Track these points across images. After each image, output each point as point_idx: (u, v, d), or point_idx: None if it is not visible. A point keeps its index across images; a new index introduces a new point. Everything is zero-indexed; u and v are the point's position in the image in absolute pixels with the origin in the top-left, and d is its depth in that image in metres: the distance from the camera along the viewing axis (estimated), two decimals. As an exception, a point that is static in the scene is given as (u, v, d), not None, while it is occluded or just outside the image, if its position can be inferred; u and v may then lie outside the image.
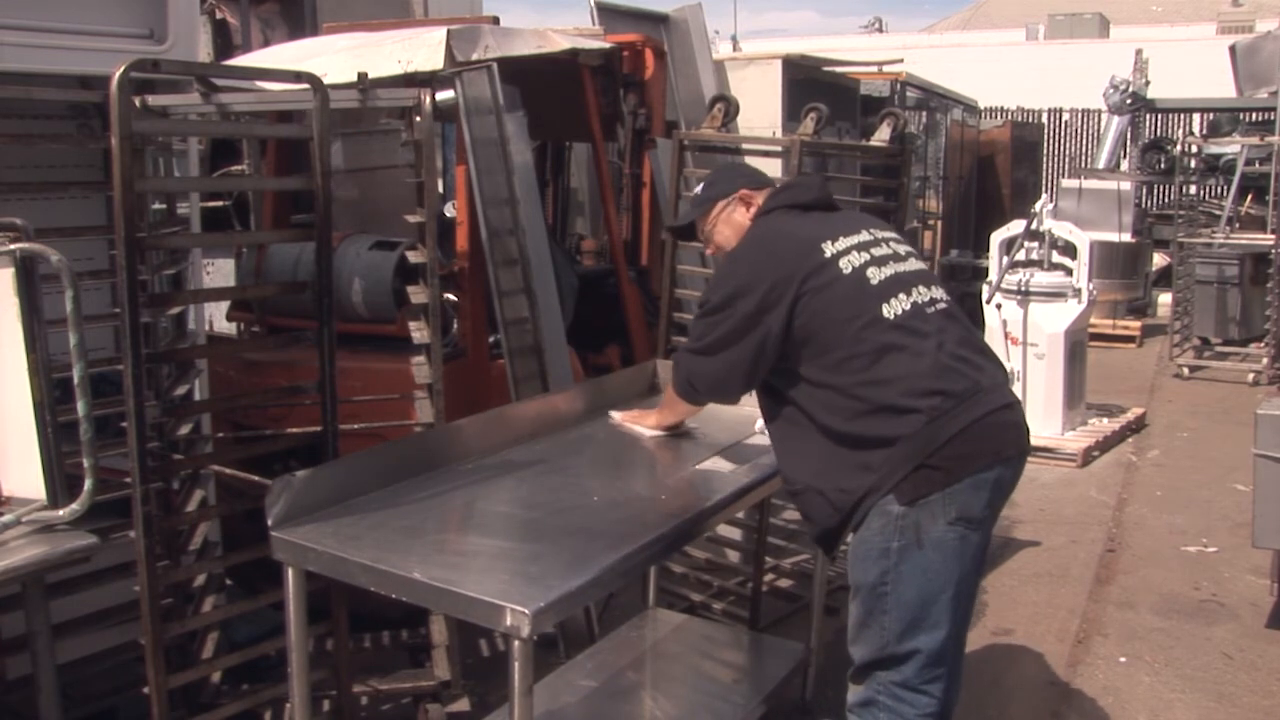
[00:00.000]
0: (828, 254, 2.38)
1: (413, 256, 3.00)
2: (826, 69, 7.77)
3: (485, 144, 3.68)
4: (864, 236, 2.45)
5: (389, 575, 1.99)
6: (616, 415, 3.06)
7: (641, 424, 2.98)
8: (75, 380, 2.23)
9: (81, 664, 2.77)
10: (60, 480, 2.27)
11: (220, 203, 5.45)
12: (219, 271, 4.63)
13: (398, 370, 3.17)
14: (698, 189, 2.78)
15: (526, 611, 1.81)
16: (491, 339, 4.01)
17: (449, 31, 3.66)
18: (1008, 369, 6.33)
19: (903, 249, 2.51)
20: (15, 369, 2.23)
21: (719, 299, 2.44)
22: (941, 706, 2.35)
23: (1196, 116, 14.40)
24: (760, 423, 2.72)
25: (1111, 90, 11.75)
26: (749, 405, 3.40)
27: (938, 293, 2.44)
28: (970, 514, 2.29)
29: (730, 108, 4.14)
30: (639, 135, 5.12)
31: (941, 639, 2.31)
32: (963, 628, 2.42)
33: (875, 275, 2.38)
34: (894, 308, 2.34)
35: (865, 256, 2.40)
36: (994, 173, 13.41)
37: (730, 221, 2.65)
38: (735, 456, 2.80)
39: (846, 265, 2.37)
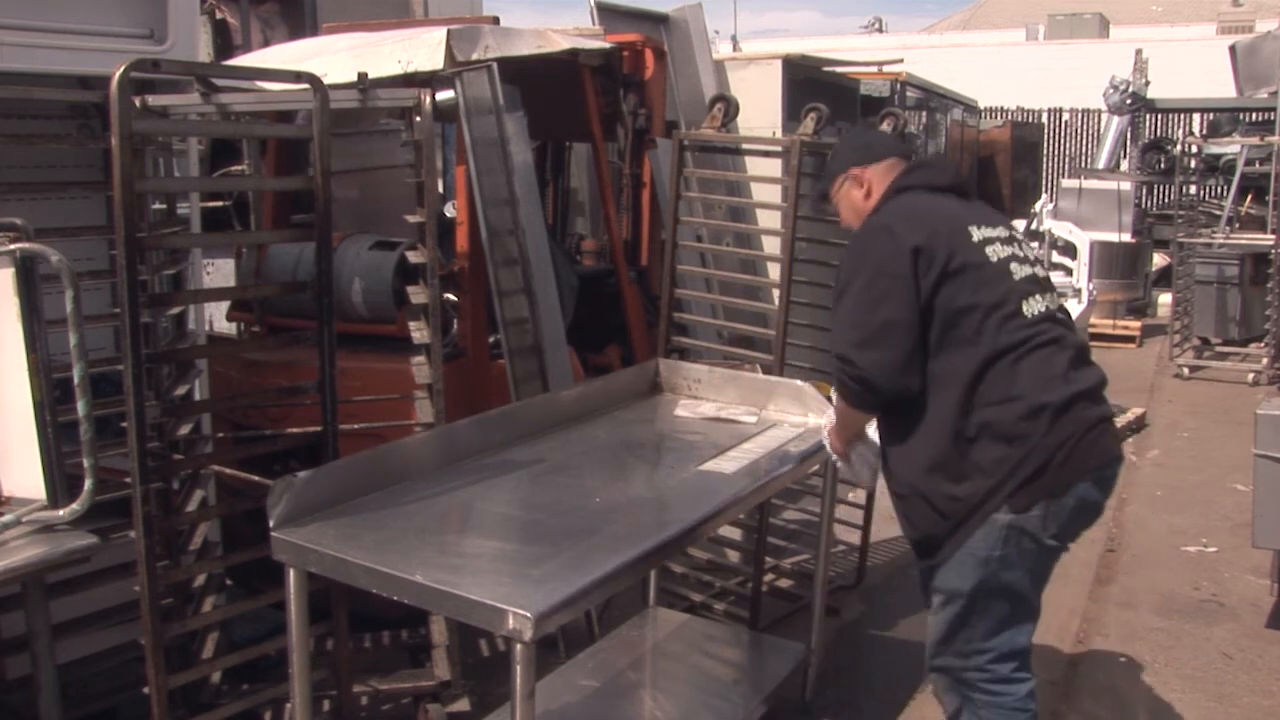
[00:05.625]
0: (976, 238, 2.36)
1: (413, 256, 3.00)
2: (827, 69, 7.75)
3: (485, 144, 3.67)
4: (1003, 232, 2.45)
5: (391, 577, 1.99)
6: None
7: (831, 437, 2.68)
8: (75, 380, 2.23)
9: (81, 664, 2.77)
10: (60, 480, 2.27)
11: (220, 203, 5.44)
12: (219, 271, 4.62)
13: (398, 370, 3.16)
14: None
15: (529, 615, 1.81)
16: (491, 339, 4.01)
17: (449, 31, 3.66)
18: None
19: (1031, 254, 2.51)
20: (15, 369, 2.23)
21: (866, 275, 2.32)
22: (1033, 697, 2.40)
23: (1196, 116, 14.42)
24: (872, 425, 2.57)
25: (1111, 90, 11.75)
26: (745, 406, 3.38)
27: (1055, 302, 2.45)
28: (1065, 530, 2.34)
29: (730, 108, 4.13)
30: (639, 135, 5.10)
31: (1027, 637, 2.39)
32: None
33: (1017, 271, 2.37)
34: (1031, 307, 2.35)
35: (1010, 250, 2.40)
36: (994, 173, 13.43)
37: (847, 201, 2.61)
38: (737, 458, 2.79)
39: (993, 254, 2.36)
